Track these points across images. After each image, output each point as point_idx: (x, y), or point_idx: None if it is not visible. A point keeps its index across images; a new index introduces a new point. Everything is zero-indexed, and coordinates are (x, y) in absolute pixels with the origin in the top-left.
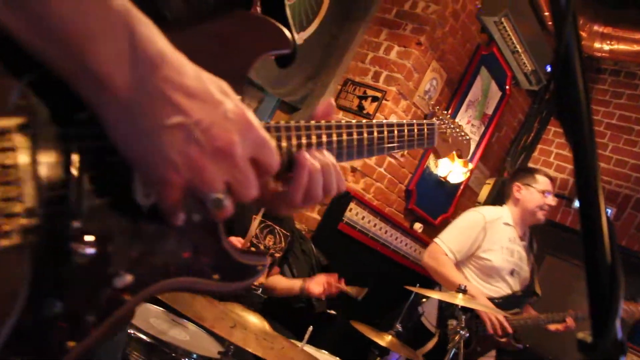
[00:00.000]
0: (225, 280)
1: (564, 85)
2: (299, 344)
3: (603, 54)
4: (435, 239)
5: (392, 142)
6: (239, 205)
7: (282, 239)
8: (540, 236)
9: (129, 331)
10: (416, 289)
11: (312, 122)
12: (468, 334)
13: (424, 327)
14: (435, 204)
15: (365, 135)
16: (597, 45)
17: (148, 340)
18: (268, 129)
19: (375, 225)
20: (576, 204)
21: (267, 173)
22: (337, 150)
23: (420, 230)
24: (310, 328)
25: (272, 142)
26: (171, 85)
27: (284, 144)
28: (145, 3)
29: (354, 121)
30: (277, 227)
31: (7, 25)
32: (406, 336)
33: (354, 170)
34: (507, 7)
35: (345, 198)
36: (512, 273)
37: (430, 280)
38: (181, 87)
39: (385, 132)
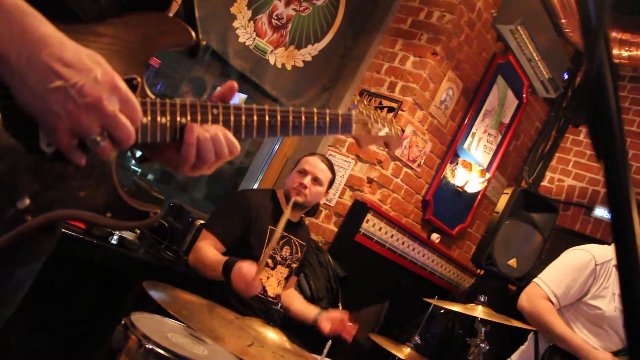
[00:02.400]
0: (118, 219)
1: (596, 105)
2: (318, 357)
3: (622, 61)
4: (535, 279)
5: (298, 126)
6: (254, 218)
7: (299, 249)
8: (560, 246)
9: (146, 345)
10: (434, 301)
11: (209, 103)
12: (488, 347)
13: None
14: (453, 214)
15: (266, 118)
16: (615, 51)
17: (165, 354)
18: (159, 104)
19: (392, 236)
20: (595, 212)
21: (134, 123)
22: (234, 128)
23: (437, 241)
24: (330, 342)
25: (136, 101)
26: (53, 57)
27: (168, 117)
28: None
29: (266, 106)
30: (293, 238)
31: None
32: None
33: (370, 181)
34: (523, 15)
35: (362, 209)
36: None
37: (448, 291)
38: (61, 59)
39: (290, 117)
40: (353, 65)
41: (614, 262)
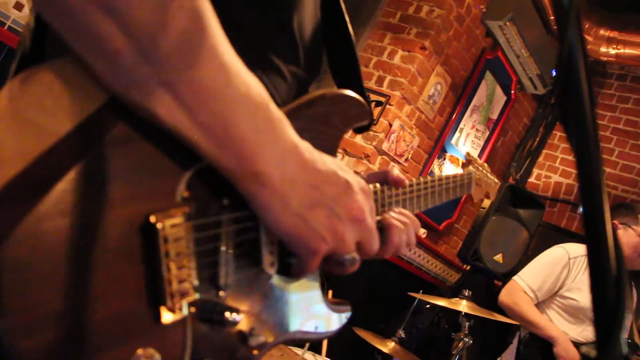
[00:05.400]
0: (320, 330)
1: (567, 88)
2: (299, 351)
3: (609, 58)
4: (514, 277)
5: (441, 196)
6: None
7: None
8: (546, 242)
9: None
10: (420, 295)
11: (386, 190)
12: (471, 341)
13: None
14: (440, 209)
15: (422, 196)
16: (603, 49)
17: None
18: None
19: None
20: (581, 209)
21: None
22: (403, 205)
23: (424, 236)
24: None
25: (374, 206)
26: (310, 174)
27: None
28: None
29: (414, 180)
30: None
31: (185, 135)
32: None
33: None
34: (512, 11)
35: None
36: None
37: (434, 286)
38: (316, 174)
39: (437, 189)
40: None
41: None
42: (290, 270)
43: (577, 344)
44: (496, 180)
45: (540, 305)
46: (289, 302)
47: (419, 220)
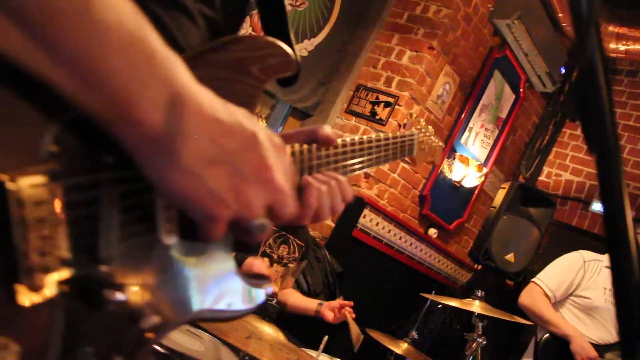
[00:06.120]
0: (235, 307)
1: (588, 98)
2: (314, 353)
3: (619, 55)
4: (533, 279)
5: (379, 159)
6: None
7: (296, 249)
8: (557, 241)
9: None
10: (432, 296)
11: (314, 150)
12: (485, 342)
13: None
14: (450, 209)
15: (357, 157)
16: (612, 45)
17: (162, 350)
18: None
19: (389, 231)
20: (593, 207)
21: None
22: (334, 168)
23: (435, 236)
24: (326, 337)
25: (292, 164)
26: (208, 124)
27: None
28: (167, 36)
29: (347, 139)
30: (291, 237)
31: (49, 76)
32: None
33: (367, 176)
34: (520, 9)
35: (359, 204)
36: None
37: (445, 286)
38: (216, 123)
39: (374, 150)
40: (349, 60)
41: (605, 263)
42: (193, 239)
43: (593, 344)
44: (441, 144)
45: (555, 305)
46: (193, 276)
47: (428, 220)
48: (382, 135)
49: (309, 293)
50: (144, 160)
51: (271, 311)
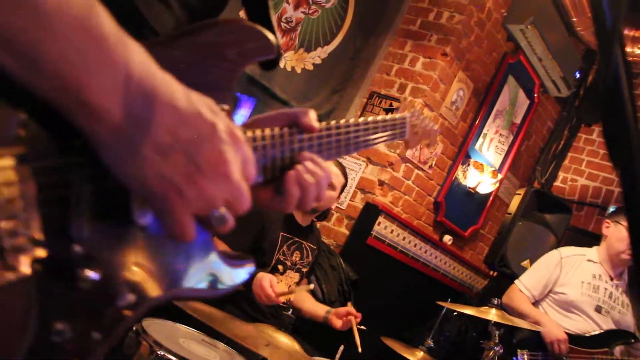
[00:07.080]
0: (214, 288)
1: (612, 109)
2: None
3: (634, 58)
4: (515, 280)
5: (367, 142)
6: (266, 227)
7: (309, 253)
8: (573, 245)
9: (157, 352)
10: (447, 304)
11: (295, 133)
12: (502, 350)
13: None
14: (465, 215)
15: (342, 140)
16: (628, 49)
17: None
18: (254, 139)
19: (404, 238)
20: (610, 210)
21: (249, 184)
22: (317, 151)
23: (449, 243)
24: (342, 347)
25: (253, 156)
26: (165, 112)
27: (269, 153)
28: (138, 20)
29: (332, 122)
30: (304, 242)
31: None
32: None
33: (381, 183)
34: (533, 14)
35: (373, 212)
36: (598, 310)
37: (460, 293)
38: (174, 111)
39: (361, 133)
40: (363, 67)
41: (587, 257)
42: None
43: (568, 334)
44: (436, 127)
45: (537, 304)
46: (170, 255)
47: (443, 226)
48: (370, 118)
49: (323, 301)
50: (101, 146)
51: (287, 321)
